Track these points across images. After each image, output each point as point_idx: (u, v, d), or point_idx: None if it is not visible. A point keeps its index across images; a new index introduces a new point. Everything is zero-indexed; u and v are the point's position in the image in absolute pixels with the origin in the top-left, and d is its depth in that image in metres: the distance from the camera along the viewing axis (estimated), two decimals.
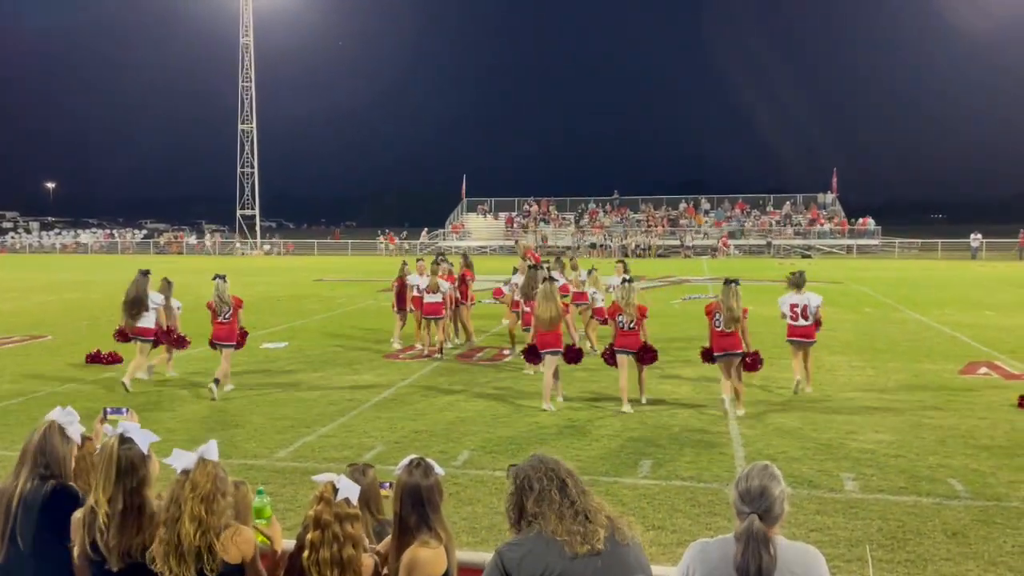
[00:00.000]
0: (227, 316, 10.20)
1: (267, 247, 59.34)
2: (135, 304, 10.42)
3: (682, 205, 57.31)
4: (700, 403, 9.67)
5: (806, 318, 10.29)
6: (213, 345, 10.21)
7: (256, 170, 61.21)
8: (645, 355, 9.58)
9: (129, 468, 3.05)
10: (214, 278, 10.33)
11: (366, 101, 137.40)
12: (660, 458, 7.47)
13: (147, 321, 10.47)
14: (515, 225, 57.93)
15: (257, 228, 62.54)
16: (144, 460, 3.11)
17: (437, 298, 12.85)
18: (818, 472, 7.07)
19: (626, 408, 9.15)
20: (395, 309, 14.00)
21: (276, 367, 12.07)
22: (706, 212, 56.51)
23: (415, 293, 13.33)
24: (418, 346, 13.28)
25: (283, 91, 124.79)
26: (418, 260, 13.97)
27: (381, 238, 59.38)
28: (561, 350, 9.52)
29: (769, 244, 50.07)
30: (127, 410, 3.66)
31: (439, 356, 12.76)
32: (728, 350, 9.20)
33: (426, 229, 59.61)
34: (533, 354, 9.67)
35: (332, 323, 17.29)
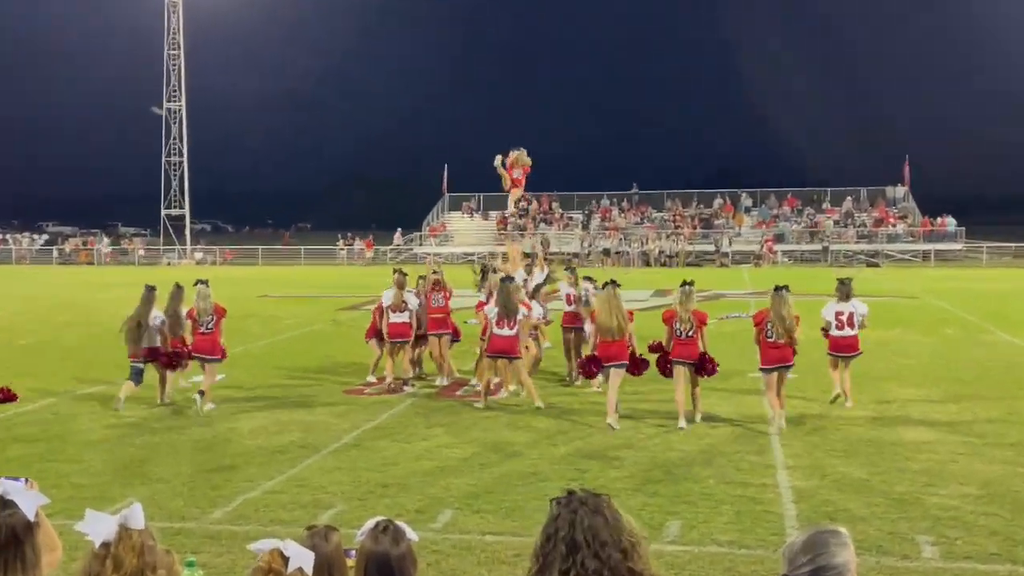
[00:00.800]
0: (210, 326, 11.69)
1: (199, 255, 59.41)
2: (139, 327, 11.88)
3: (717, 201, 57.47)
4: (740, 420, 10.74)
5: (852, 327, 11.72)
6: (193, 358, 11.68)
7: (185, 159, 61.35)
8: (704, 366, 10.78)
9: (8, 542, 2.75)
10: (196, 284, 11.82)
11: (322, 73, 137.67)
12: (690, 518, 7.47)
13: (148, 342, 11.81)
14: (509, 226, 58.14)
15: (187, 231, 62.62)
16: (29, 529, 2.80)
17: (404, 317, 13.05)
18: (889, 535, 7.08)
19: (683, 424, 10.43)
20: (369, 338, 14.05)
21: (199, 411, 12.08)
22: (747, 210, 56.74)
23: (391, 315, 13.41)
24: (387, 378, 13.33)
25: (218, 63, 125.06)
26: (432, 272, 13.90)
27: (341, 243, 59.54)
28: (626, 362, 10.68)
29: (826, 250, 50.32)
30: (26, 480, 3.33)
31: (410, 387, 12.94)
32: (782, 362, 10.53)
33: (399, 231, 59.75)
34: (594, 365, 10.74)
35: (280, 350, 17.29)
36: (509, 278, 12.32)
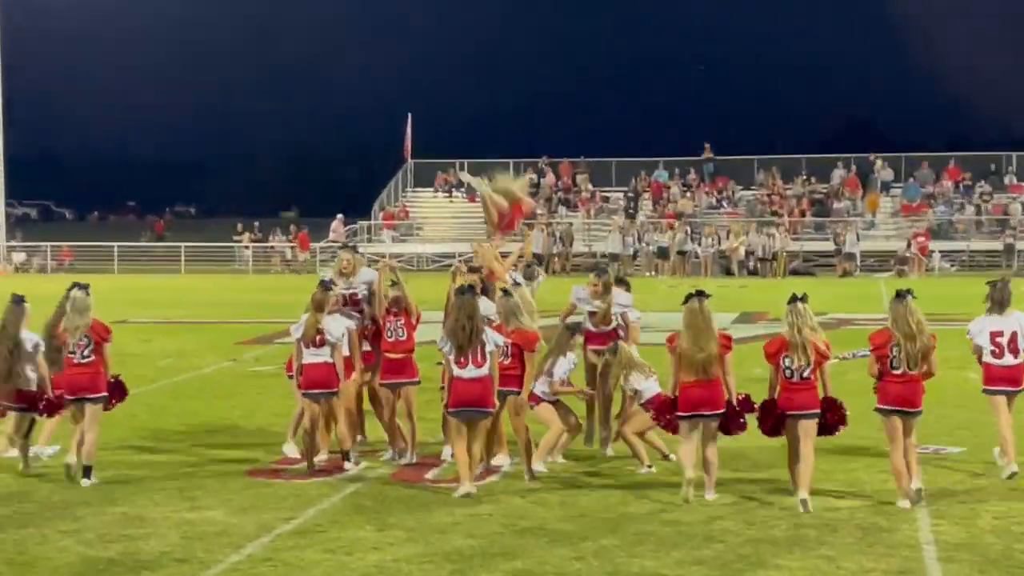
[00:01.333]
0: (87, 353, 12.76)
1: (21, 256, 59.47)
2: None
3: (838, 173, 57.62)
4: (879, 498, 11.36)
5: (1015, 353, 12.33)
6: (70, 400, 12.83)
7: None
8: (830, 418, 11.63)
9: None
10: (71, 289, 12.93)
11: None
12: None
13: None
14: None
15: (1, 219, 62.64)
16: None
17: (323, 355, 12.95)
18: None
19: (803, 496, 11.12)
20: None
21: (35, 489, 12.14)
22: (885, 187, 56.85)
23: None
24: (322, 456, 13.37)
25: None
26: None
27: (246, 237, 59.66)
28: (720, 411, 11.47)
29: (1010, 249, 50.43)
30: None
31: (352, 463, 13.01)
32: (909, 404, 11.31)
33: (339, 218, 59.62)
34: (670, 409, 11.58)
35: (147, 408, 17.30)
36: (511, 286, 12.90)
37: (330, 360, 12.96)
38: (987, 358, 12.51)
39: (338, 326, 13.11)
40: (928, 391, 11.55)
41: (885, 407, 11.43)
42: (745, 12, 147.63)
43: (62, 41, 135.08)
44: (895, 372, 11.37)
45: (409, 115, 62.27)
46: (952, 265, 51.06)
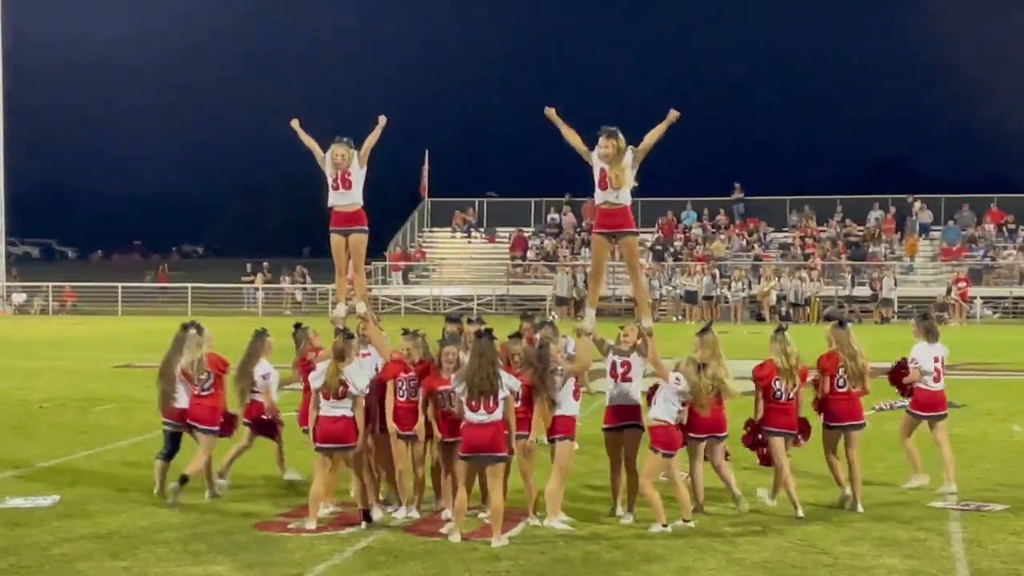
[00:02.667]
0: (207, 387, 14.44)
1: (21, 297, 59.63)
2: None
3: (873, 215, 57.48)
4: None
5: (938, 380, 14.83)
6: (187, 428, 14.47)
7: (1, 142, 61.75)
8: (803, 432, 13.84)
9: None
10: (186, 328, 14.57)
11: (220, 10, 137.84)
12: None
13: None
14: (531, 251, 58.23)
15: (1, 259, 62.87)
16: None
17: (343, 409, 12.89)
18: None
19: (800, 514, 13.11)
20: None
21: (34, 542, 12.11)
22: (924, 229, 56.68)
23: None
24: (330, 507, 13.35)
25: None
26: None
27: (257, 277, 59.71)
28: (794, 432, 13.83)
29: None
30: None
31: (362, 525, 12.92)
32: (855, 418, 13.92)
33: None
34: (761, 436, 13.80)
35: (148, 458, 17.17)
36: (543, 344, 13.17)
37: (350, 414, 12.90)
38: (927, 384, 14.79)
39: (362, 378, 13.03)
40: (971, 446, 11.63)
41: (835, 424, 13.77)
42: (780, 48, 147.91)
43: (66, 77, 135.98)
44: (840, 391, 13.78)
45: (426, 152, 62.45)
46: (994, 312, 50.83)
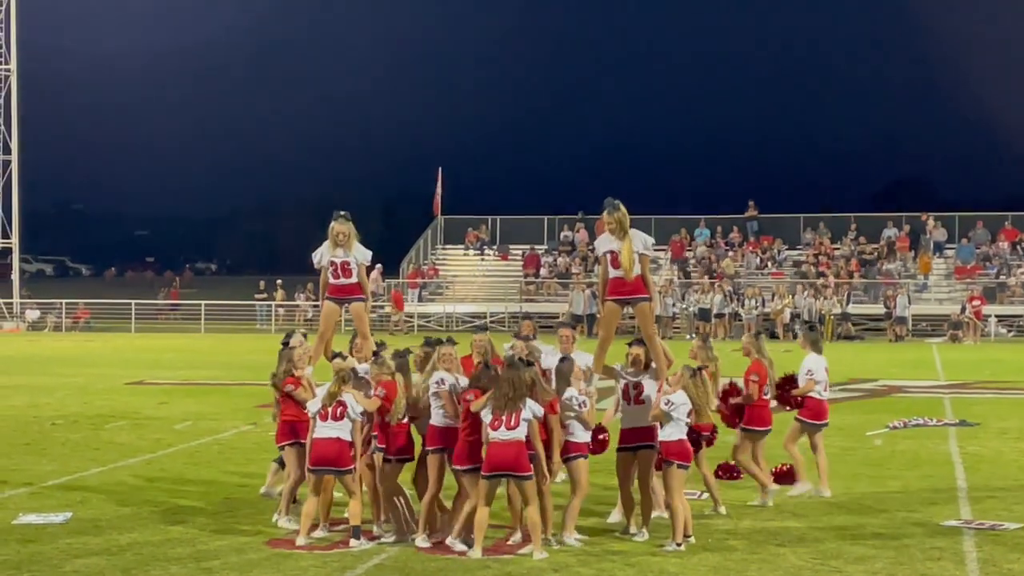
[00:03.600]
0: (404, 416, 13.14)
1: (35, 314, 59.75)
2: None
3: (888, 233, 57.43)
4: None
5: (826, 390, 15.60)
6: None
7: (15, 160, 62.02)
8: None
9: None
10: (379, 349, 13.57)
11: (241, 32, 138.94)
12: None
13: None
14: (544, 268, 58.19)
15: (15, 275, 63.09)
16: None
17: (338, 430, 12.81)
18: None
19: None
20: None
21: (46, 558, 12.11)
22: (938, 248, 56.58)
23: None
24: (319, 531, 13.26)
25: (74, 10, 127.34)
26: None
27: (278, 294, 59.64)
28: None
29: None
30: None
31: (357, 543, 12.85)
32: (769, 423, 15.01)
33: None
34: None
35: (163, 473, 17.34)
36: (566, 358, 13.30)
37: (345, 437, 12.83)
38: (819, 393, 15.35)
39: (357, 402, 12.97)
40: (985, 464, 11.55)
41: (761, 428, 14.89)
42: (795, 67, 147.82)
43: (79, 96, 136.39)
44: (766, 397, 14.86)
45: (440, 169, 62.52)
46: (1009, 331, 50.67)
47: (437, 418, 12.86)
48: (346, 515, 13.34)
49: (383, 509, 13.45)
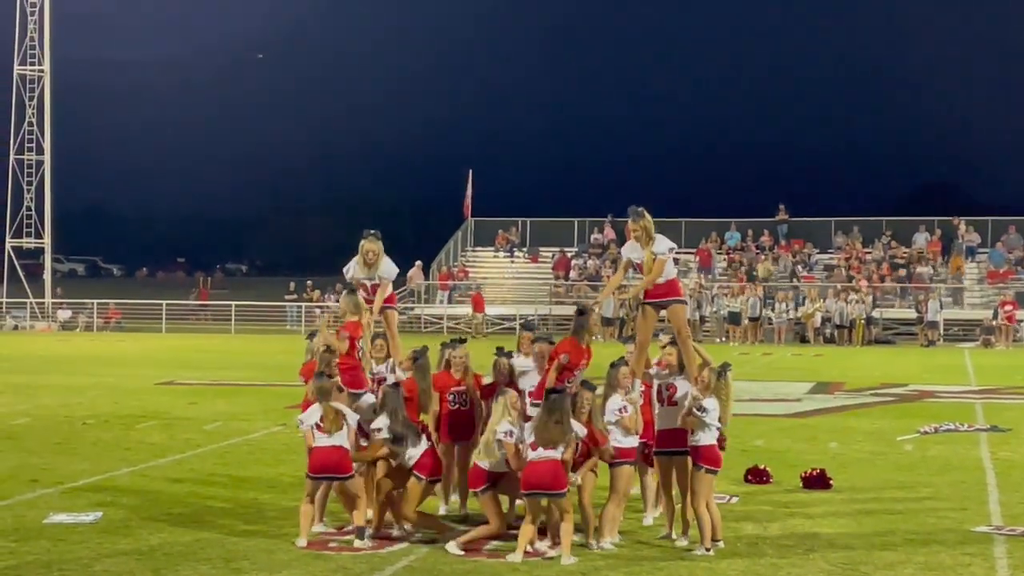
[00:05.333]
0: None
1: (66, 313, 60.02)
2: None
3: (920, 237, 57.12)
4: None
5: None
6: None
7: (47, 160, 62.38)
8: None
9: None
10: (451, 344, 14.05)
11: (270, 34, 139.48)
12: None
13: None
14: (574, 271, 58.15)
15: (47, 275, 63.43)
16: None
17: (339, 437, 12.90)
18: None
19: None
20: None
21: (76, 558, 12.12)
22: (970, 252, 56.31)
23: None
24: (364, 526, 13.22)
25: (105, 15, 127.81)
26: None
27: (314, 294, 59.66)
28: None
29: None
30: None
31: (363, 541, 12.93)
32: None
33: (418, 264, 59.18)
34: None
35: (193, 474, 17.38)
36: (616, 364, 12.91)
37: (344, 444, 12.95)
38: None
39: (351, 414, 13.10)
40: (1017, 470, 11.39)
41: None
42: (827, 71, 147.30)
43: (111, 96, 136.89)
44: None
45: (470, 171, 62.53)
46: None
47: (493, 464, 12.74)
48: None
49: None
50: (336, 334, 13.92)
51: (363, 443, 13.41)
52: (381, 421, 13.10)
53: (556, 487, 12.08)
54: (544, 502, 12.35)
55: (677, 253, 13.84)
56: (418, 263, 58.86)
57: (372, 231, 14.72)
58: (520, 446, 12.43)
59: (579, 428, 12.27)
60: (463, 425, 13.96)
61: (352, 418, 13.04)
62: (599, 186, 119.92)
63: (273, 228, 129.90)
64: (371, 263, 14.48)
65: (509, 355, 13.99)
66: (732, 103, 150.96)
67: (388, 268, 14.62)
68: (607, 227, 60.39)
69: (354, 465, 13.16)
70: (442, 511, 14.12)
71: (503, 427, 12.55)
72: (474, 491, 12.87)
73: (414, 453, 13.01)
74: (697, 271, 56.27)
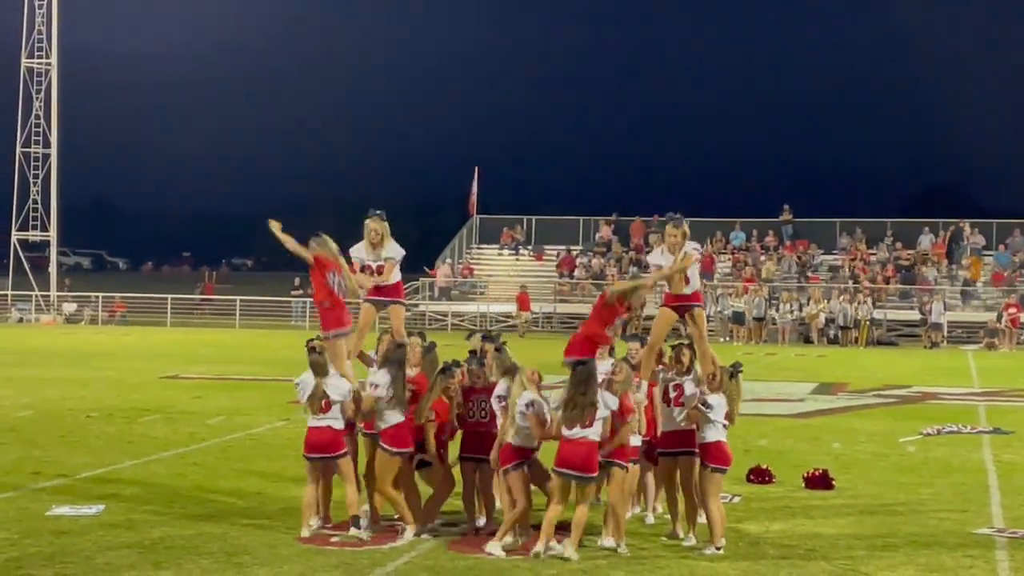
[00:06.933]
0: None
1: (71, 307, 60.05)
2: None
3: (924, 239, 57.10)
4: None
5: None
6: None
7: (54, 153, 62.40)
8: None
9: None
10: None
11: (278, 28, 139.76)
12: None
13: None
14: (579, 270, 58.13)
15: (52, 268, 63.45)
16: None
17: (330, 419, 13.07)
18: None
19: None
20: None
21: (78, 550, 12.15)
22: (975, 254, 56.22)
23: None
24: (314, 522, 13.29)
25: (114, 14, 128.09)
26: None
27: (301, 292, 59.78)
28: None
29: None
30: None
31: (360, 533, 12.95)
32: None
33: (448, 262, 59.24)
34: None
35: (196, 468, 17.40)
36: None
37: (336, 425, 13.11)
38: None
39: (342, 385, 13.19)
40: (1020, 473, 11.31)
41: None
42: (834, 73, 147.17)
43: (118, 92, 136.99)
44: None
45: (476, 168, 62.54)
46: None
47: (517, 438, 12.71)
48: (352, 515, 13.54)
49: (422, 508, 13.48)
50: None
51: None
52: (381, 378, 13.16)
53: (587, 470, 12.09)
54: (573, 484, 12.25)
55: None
56: (448, 260, 59.25)
57: (377, 211, 14.50)
58: (544, 418, 12.47)
59: (611, 400, 12.24)
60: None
61: (340, 392, 13.10)
62: (604, 184, 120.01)
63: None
64: (376, 243, 14.29)
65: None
66: (738, 105, 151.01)
67: (393, 249, 14.36)
68: (604, 226, 60.38)
69: (346, 440, 13.28)
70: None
71: (524, 398, 12.54)
72: (504, 469, 12.73)
73: (390, 420, 13.09)
74: (699, 275, 56.13)
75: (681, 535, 13.14)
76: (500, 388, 12.99)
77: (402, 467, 13.17)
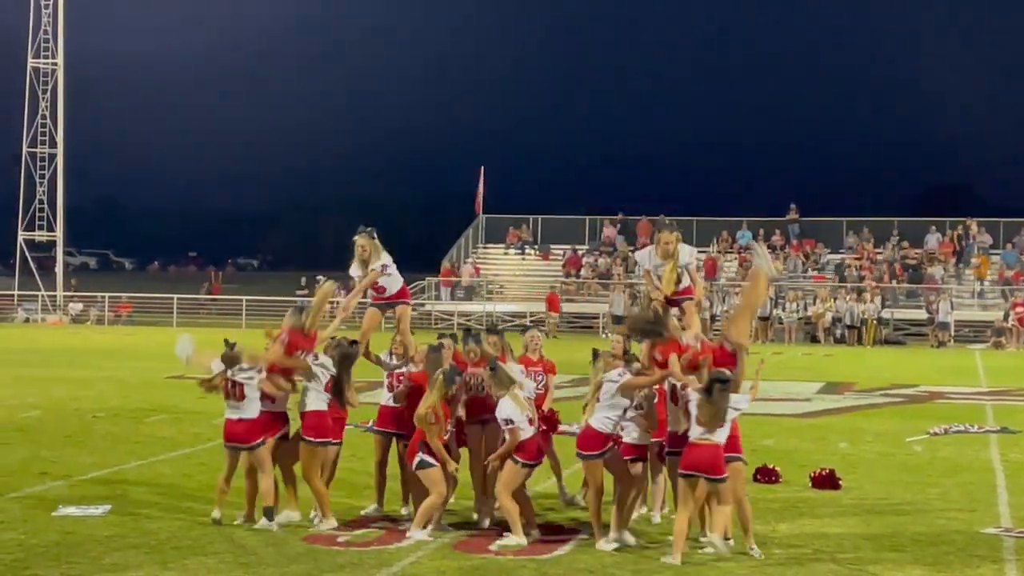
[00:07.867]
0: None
1: (77, 307, 60.08)
2: None
3: (931, 238, 57.05)
4: None
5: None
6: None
7: (60, 153, 62.44)
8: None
9: None
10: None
11: (280, 30, 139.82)
12: None
13: None
14: (586, 269, 58.14)
15: (59, 268, 63.51)
16: None
17: (242, 409, 13.55)
18: None
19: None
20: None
21: (85, 550, 12.15)
22: (983, 250, 56.19)
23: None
24: (294, 515, 13.60)
25: (118, 6, 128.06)
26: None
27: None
28: None
29: None
30: None
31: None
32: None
33: (471, 261, 59.20)
34: None
35: (199, 468, 17.39)
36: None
37: (247, 416, 13.49)
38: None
39: (253, 377, 13.56)
40: None
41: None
42: (840, 73, 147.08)
43: (126, 93, 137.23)
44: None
45: (482, 168, 62.53)
46: None
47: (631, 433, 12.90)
48: (361, 514, 13.92)
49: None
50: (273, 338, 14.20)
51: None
52: (327, 361, 13.67)
53: (716, 471, 11.98)
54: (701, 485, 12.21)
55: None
56: (470, 260, 59.36)
57: (367, 228, 14.50)
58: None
59: (742, 401, 12.33)
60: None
61: (252, 385, 13.53)
62: (611, 184, 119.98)
63: (285, 224, 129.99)
64: (364, 259, 14.33)
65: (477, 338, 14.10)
66: (744, 104, 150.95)
67: (376, 260, 14.31)
68: (607, 226, 60.41)
69: (262, 438, 13.55)
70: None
71: (612, 375, 12.61)
72: (588, 453, 12.66)
73: (311, 403, 13.53)
74: (703, 278, 56.13)
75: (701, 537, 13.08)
76: (505, 410, 12.82)
77: (517, 472, 12.77)
